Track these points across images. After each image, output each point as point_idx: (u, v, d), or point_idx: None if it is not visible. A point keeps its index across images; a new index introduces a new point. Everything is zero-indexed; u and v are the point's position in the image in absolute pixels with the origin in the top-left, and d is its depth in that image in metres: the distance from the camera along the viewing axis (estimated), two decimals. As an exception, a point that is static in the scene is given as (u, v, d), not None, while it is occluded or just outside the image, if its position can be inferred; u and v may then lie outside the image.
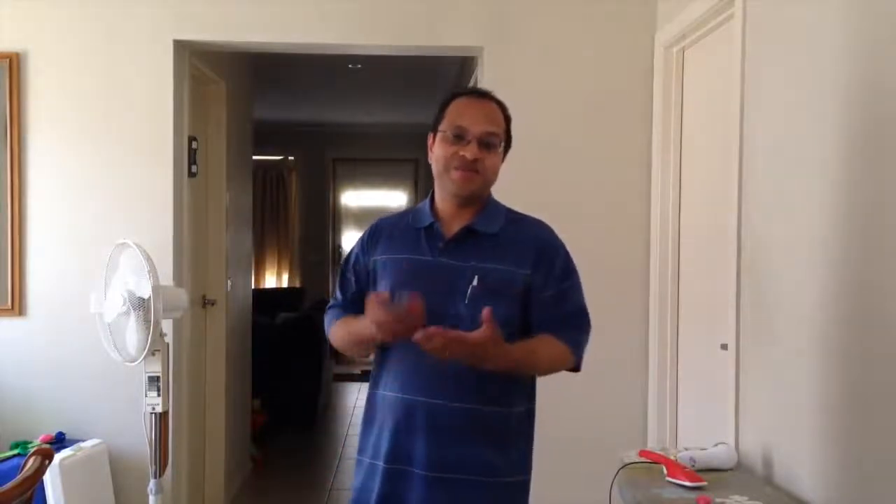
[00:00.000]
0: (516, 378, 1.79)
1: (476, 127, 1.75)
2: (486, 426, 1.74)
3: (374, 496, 1.76)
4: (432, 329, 1.57)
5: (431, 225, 1.81)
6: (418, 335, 1.57)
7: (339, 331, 1.88)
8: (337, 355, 1.95)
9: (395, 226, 1.88)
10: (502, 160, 1.83)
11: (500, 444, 1.76)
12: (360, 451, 1.85)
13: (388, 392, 1.77)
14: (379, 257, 1.85)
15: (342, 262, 1.97)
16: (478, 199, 1.82)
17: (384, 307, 1.62)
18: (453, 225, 1.81)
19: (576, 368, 1.82)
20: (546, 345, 1.74)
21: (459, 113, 1.78)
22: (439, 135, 1.79)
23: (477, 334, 1.58)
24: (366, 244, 1.90)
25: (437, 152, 1.79)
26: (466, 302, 1.72)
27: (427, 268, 1.77)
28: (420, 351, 1.70)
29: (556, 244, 1.84)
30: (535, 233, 1.83)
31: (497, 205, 1.86)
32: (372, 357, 1.90)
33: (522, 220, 1.87)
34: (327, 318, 1.94)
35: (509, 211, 1.87)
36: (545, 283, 1.77)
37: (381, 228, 1.90)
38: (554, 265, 1.79)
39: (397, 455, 1.73)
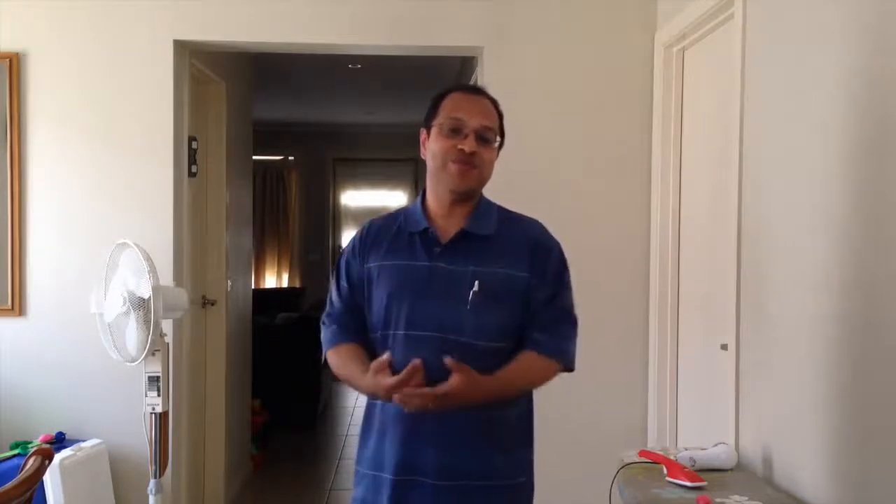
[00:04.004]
0: None
1: (473, 120, 1.73)
2: (492, 430, 1.73)
3: None
4: (407, 391, 1.62)
5: (426, 229, 1.78)
6: (396, 397, 1.64)
7: (336, 362, 1.83)
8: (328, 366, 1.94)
9: (387, 230, 1.83)
10: (496, 156, 1.81)
11: (506, 446, 1.75)
12: (360, 461, 1.81)
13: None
14: (373, 264, 1.80)
15: (334, 268, 1.91)
16: (472, 197, 1.80)
17: (386, 373, 1.66)
18: (447, 227, 1.78)
19: (568, 370, 1.81)
20: (527, 366, 1.74)
21: (455, 107, 1.76)
22: (434, 128, 1.77)
23: (451, 384, 1.62)
24: (357, 250, 1.84)
25: (434, 146, 1.76)
26: (469, 308, 1.70)
27: (424, 274, 1.74)
28: (421, 358, 1.68)
29: (550, 243, 1.82)
30: (528, 233, 1.81)
31: (489, 204, 1.84)
32: None
33: (515, 218, 1.85)
34: (324, 335, 1.88)
35: (500, 209, 1.85)
36: (539, 285, 1.76)
37: (372, 233, 1.84)
38: (547, 266, 1.78)
39: (406, 465, 1.71)
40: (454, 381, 1.61)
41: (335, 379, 7.47)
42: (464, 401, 1.64)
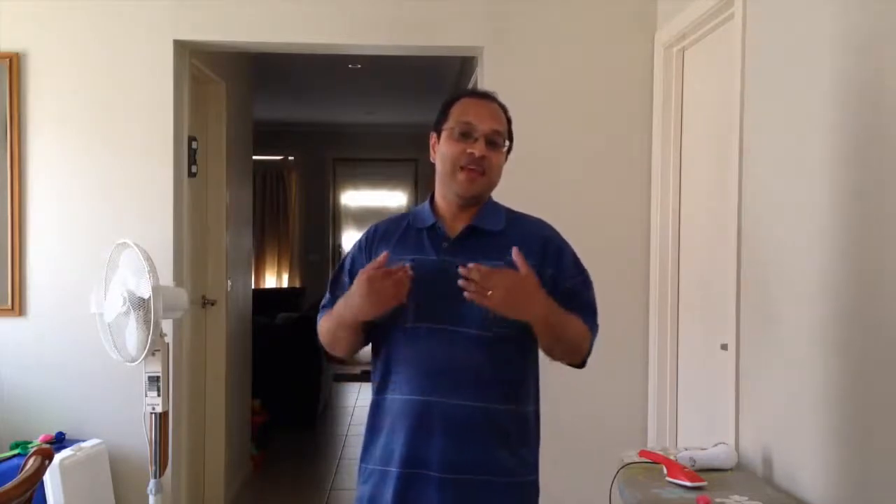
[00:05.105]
0: (525, 377, 1.79)
1: (483, 124, 1.75)
2: (500, 426, 1.73)
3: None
4: (473, 265, 1.61)
5: (433, 225, 1.80)
6: (463, 270, 1.60)
7: (326, 322, 1.82)
8: (330, 359, 1.91)
9: (395, 228, 1.85)
10: (504, 161, 1.83)
11: (513, 444, 1.75)
12: (367, 459, 1.81)
13: (398, 395, 1.75)
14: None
15: (337, 266, 1.92)
16: (480, 202, 1.82)
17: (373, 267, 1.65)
18: (456, 224, 1.80)
19: (582, 363, 1.81)
20: (575, 320, 1.74)
21: (465, 111, 1.78)
22: (445, 132, 1.78)
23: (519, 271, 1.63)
24: (364, 247, 1.86)
25: (444, 150, 1.78)
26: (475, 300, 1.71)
27: (432, 268, 1.74)
28: (430, 352, 1.70)
29: (561, 241, 1.83)
30: (538, 231, 1.83)
31: (496, 205, 1.86)
32: (369, 354, 1.87)
33: (524, 218, 1.87)
34: (319, 319, 1.88)
35: (509, 211, 1.87)
36: (556, 278, 1.76)
37: (380, 231, 1.87)
38: (563, 260, 1.79)
39: (412, 459, 1.70)
40: (522, 267, 1.63)
41: (335, 379, 7.55)
42: (525, 291, 1.62)
